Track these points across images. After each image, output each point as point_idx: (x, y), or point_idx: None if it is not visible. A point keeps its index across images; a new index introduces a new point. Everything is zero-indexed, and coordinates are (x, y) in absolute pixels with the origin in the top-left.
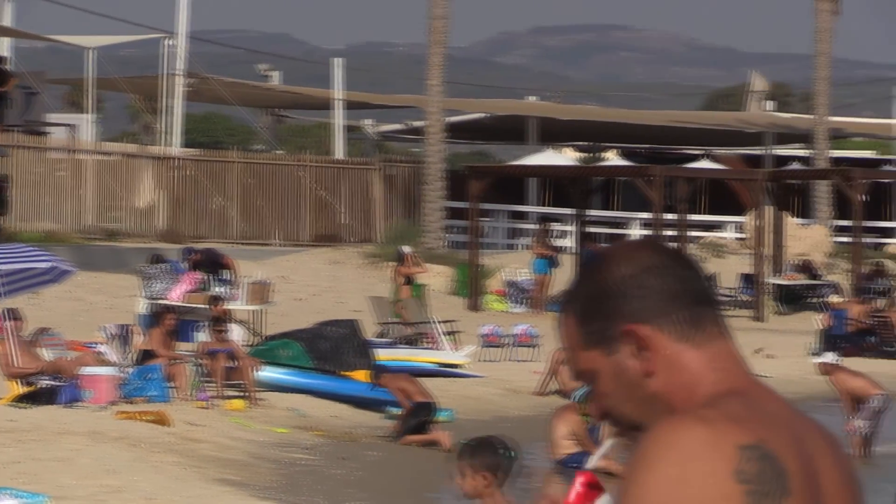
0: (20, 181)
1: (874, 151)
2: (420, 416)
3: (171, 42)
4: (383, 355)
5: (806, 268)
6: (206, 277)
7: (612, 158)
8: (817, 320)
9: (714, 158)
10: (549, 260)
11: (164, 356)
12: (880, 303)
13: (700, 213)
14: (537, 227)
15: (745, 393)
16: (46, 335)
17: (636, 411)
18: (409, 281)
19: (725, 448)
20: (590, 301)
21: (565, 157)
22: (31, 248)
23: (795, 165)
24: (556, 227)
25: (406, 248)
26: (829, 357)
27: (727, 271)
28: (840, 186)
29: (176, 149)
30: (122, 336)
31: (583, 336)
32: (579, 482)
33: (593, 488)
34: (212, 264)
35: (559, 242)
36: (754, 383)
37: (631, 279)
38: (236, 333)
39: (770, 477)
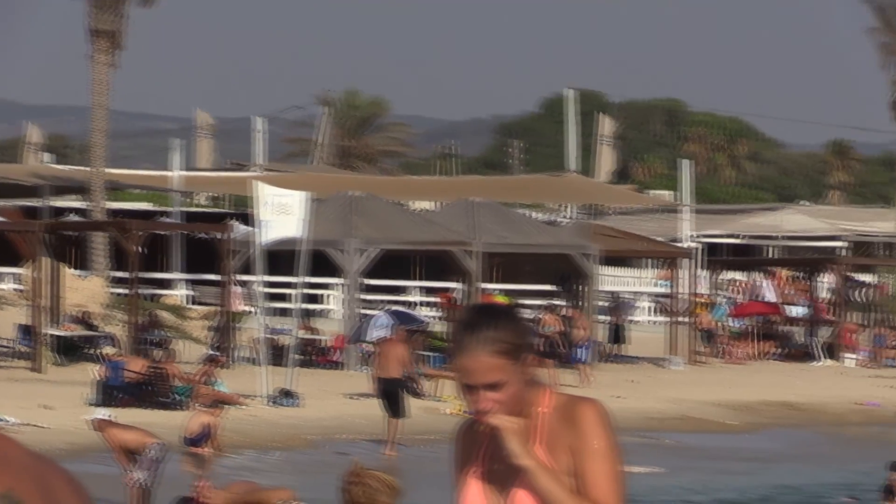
0: None
1: (151, 203)
2: None
3: None
4: None
5: (83, 319)
6: None
7: None
8: (94, 371)
9: None
10: None
11: None
12: (157, 353)
13: None
14: None
15: None
16: None
17: None
18: None
19: None
20: None
21: None
22: None
23: (73, 217)
24: None
25: None
26: (101, 413)
27: (5, 323)
28: (117, 238)
29: None
30: None
31: None
32: None
33: None
34: None
35: None
36: None
37: None
38: None
39: None
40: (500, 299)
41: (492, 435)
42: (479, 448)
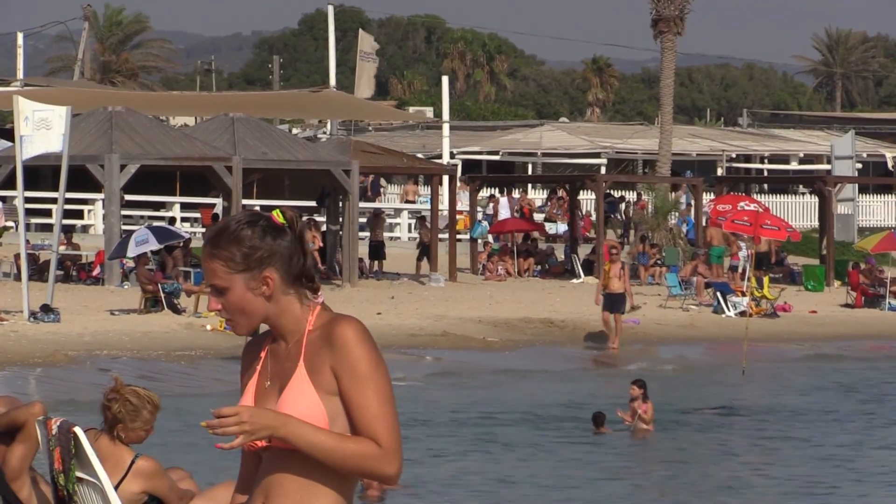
0: None
1: None
2: None
3: None
4: None
5: None
6: None
7: None
8: None
9: None
10: None
11: None
12: None
13: None
14: None
15: None
16: None
17: None
18: None
19: None
20: None
21: None
22: None
23: None
24: None
25: None
26: None
27: None
28: None
29: None
30: None
31: None
32: None
33: None
34: None
35: None
36: None
37: None
38: None
39: None
40: (277, 214)
41: (268, 351)
42: (257, 362)
